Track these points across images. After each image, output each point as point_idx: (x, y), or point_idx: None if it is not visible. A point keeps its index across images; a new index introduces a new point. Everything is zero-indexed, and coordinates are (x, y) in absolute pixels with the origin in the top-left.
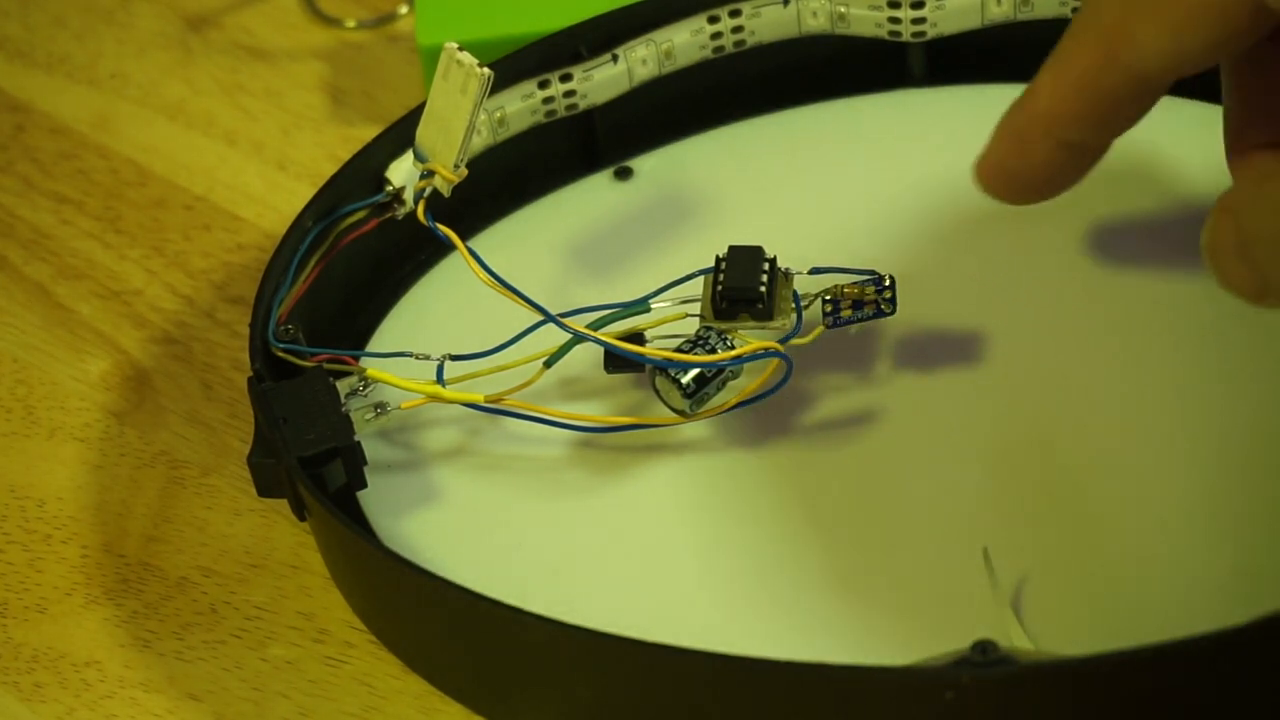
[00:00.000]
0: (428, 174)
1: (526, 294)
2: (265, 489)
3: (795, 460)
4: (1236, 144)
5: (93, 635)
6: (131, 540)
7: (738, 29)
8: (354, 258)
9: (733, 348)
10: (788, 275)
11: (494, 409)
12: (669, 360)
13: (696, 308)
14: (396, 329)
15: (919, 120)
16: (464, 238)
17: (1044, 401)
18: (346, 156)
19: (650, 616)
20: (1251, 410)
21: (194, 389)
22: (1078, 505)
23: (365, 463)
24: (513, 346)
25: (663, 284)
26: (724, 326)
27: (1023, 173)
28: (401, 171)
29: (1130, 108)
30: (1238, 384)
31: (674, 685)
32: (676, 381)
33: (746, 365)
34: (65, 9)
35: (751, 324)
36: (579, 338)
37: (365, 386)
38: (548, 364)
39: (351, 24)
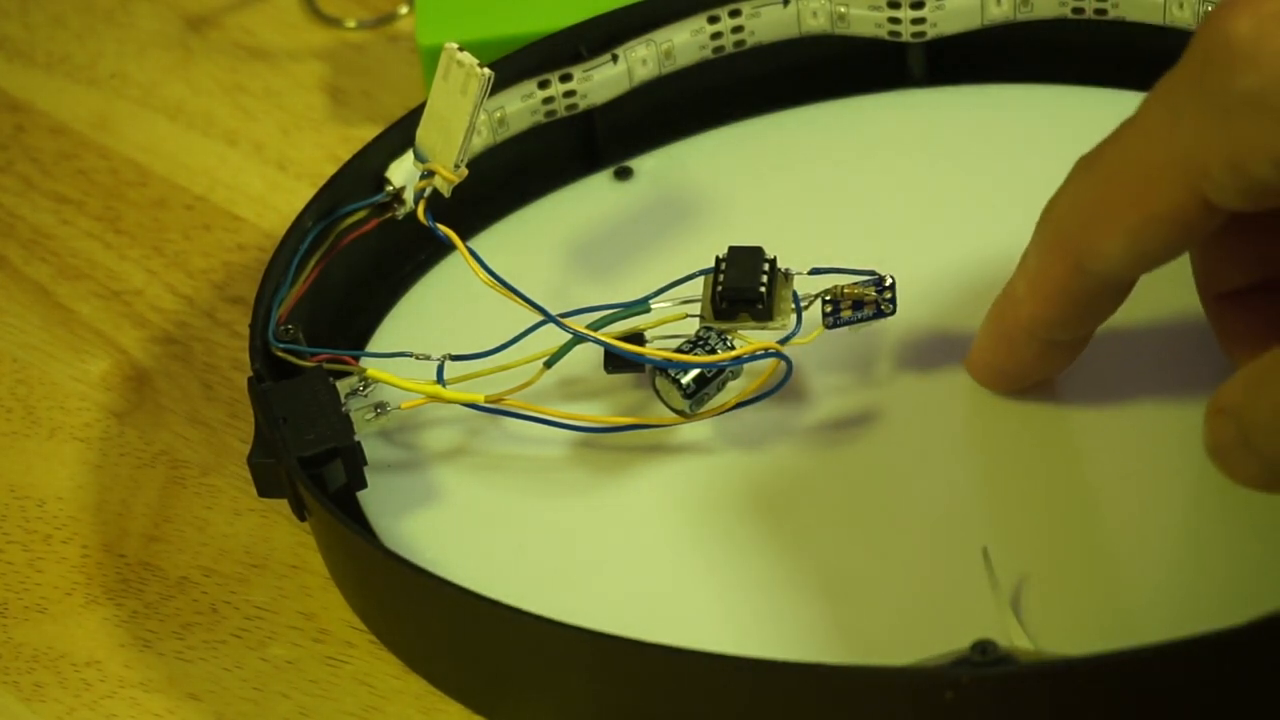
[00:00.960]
0: (428, 174)
1: (526, 294)
2: (265, 489)
3: (795, 460)
4: (1209, 286)
5: (93, 635)
6: (132, 540)
7: (738, 29)
8: (354, 258)
9: (733, 348)
10: (788, 275)
11: (494, 409)
12: (669, 360)
13: (696, 308)
14: (396, 329)
15: (919, 120)
16: (464, 238)
17: (1043, 402)
18: (346, 156)
19: (650, 616)
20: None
21: (194, 389)
22: (1077, 505)
23: (365, 463)
24: (513, 346)
25: (663, 284)
26: (724, 327)
27: (1014, 370)
28: (401, 171)
29: (1105, 304)
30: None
31: (674, 685)
32: (676, 381)
33: (746, 365)
34: (65, 9)
35: (751, 324)
36: (579, 338)
37: (365, 386)
38: (548, 364)
39: (351, 24)
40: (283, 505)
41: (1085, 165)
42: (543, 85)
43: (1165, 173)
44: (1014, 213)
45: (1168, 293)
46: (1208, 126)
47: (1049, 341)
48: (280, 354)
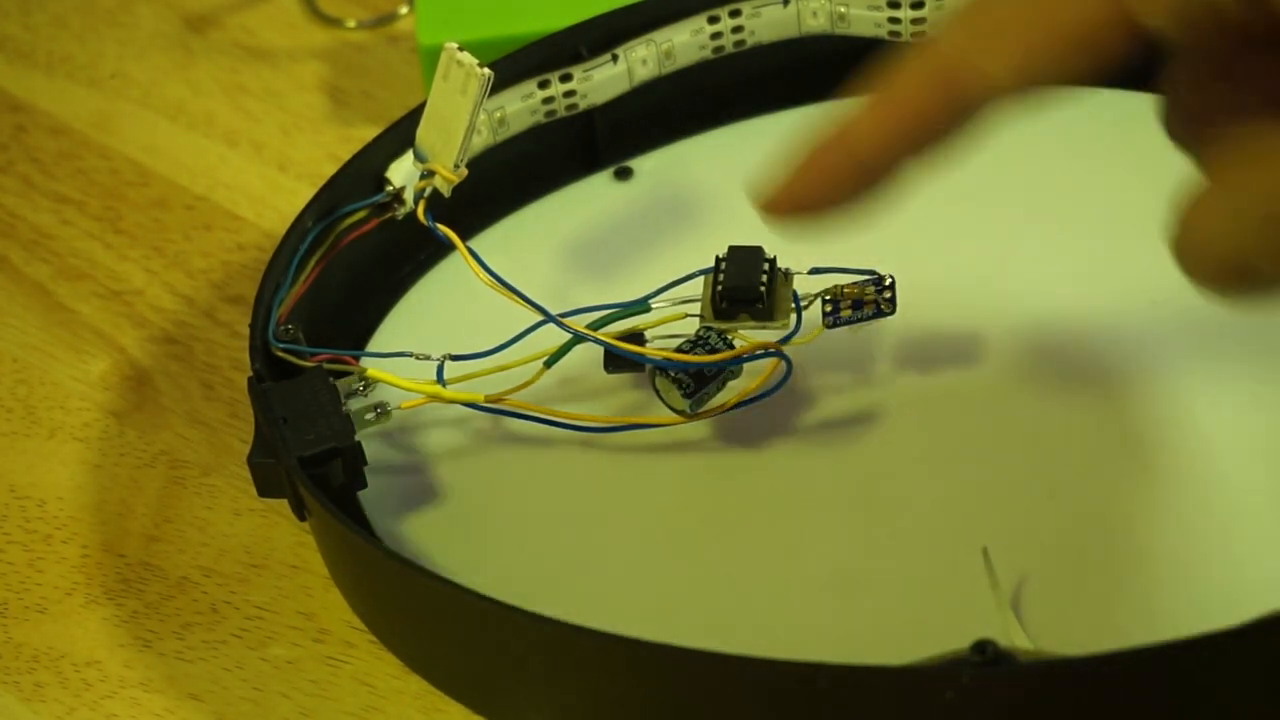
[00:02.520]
0: (428, 174)
1: (526, 294)
2: (265, 489)
3: (795, 460)
4: (1195, 114)
5: (93, 635)
6: (132, 540)
7: (738, 29)
8: (354, 258)
9: (733, 348)
10: (788, 275)
11: (494, 409)
12: (669, 360)
13: (696, 308)
14: (396, 329)
15: None
16: (464, 238)
17: (1043, 401)
18: (346, 156)
19: (650, 616)
20: (1251, 408)
21: (194, 389)
22: (1078, 505)
23: (365, 463)
24: (513, 346)
25: (663, 284)
26: (724, 326)
27: (808, 184)
28: (401, 171)
29: (950, 134)
30: (1237, 381)
31: (674, 685)
32: (676, 381)
33: (746, 365)
34: (66, 9)
35: (751, 324)
36: (579, 338)
37: (365, 386)
38: (548, 364)
39: (351, 24)
40: (283, 505)
41: None
42: (543, 85)
43: None
44: (1013, 212)
45: (1168, 289)
46: None
47: (863, 165)
48: (280, 354)
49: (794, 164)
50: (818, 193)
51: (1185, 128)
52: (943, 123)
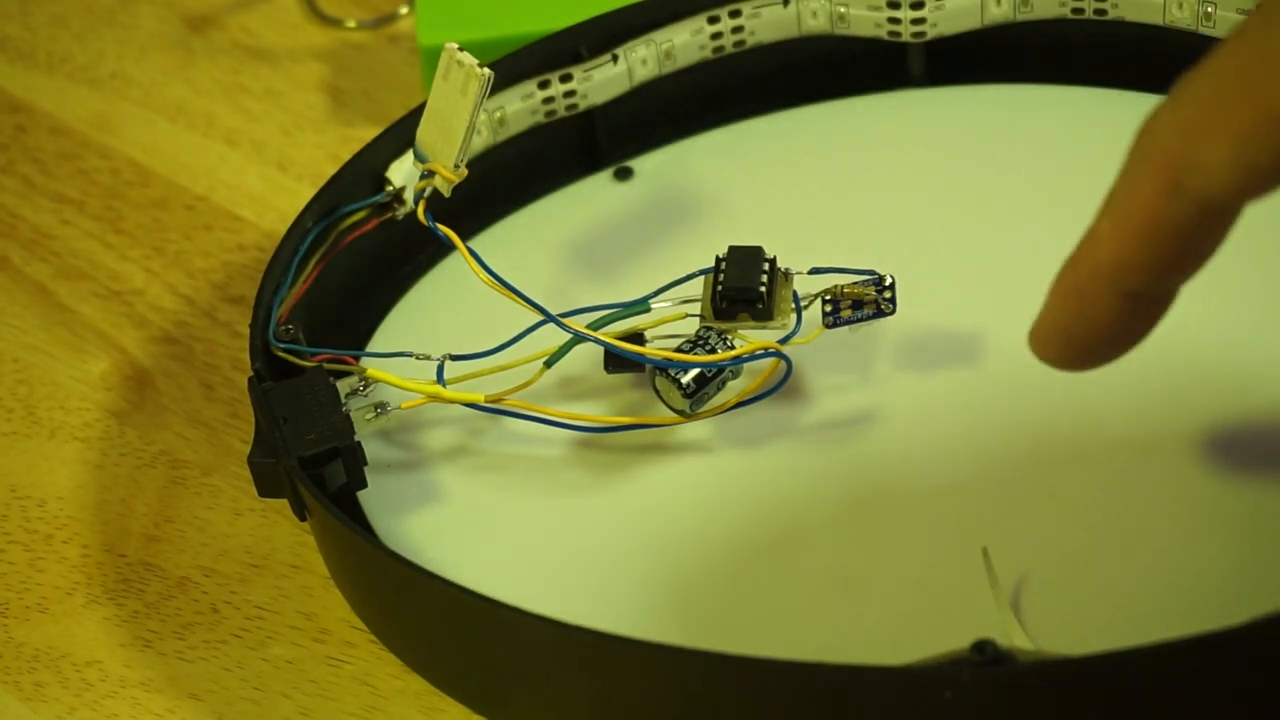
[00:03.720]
0: (428, 174)
1: (526, 294)
2: (265, 489)
3: (795, 460)
4: None
5: (93, 635)
6: (132, 540)
7: (738, 29)
8: (354, 258)
9: (733, 348)
10: (788, 275)
11: (494, 409)
12: (669, 360)
13: (696, 308)
14: (396, 329)
15: (919, 120)
16: (464, 238)
17: (1043, 401)
18: (346, 156)
19: (650, 616)
20: (1251, 408)
21: (194, 389)
22: (1078, 505)
23: (365, 463)
24: (513, 346)
25: (663, 284)
26: (724, 326)
27: (1086, 335)
28: (401, 171)
29: (1203, 243)
30: (1237, 381)
31: (674, 685)
32: (676, 381)
33: (746, 365)
34: (66, 9)
35: (751, 324)
36: (579, 338)
37: (365, 386)
38: (548, 364)
39: (351, 24)
40: (283, 505)
41: (1188, 76)
42: (543, 85)
43: None
44: (1014, 212)
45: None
46: None
47: (1131, 294)
48: (280, 354)
49: (1056, 307)
50: (1095, 328)
51: None
52: (1184, 231)
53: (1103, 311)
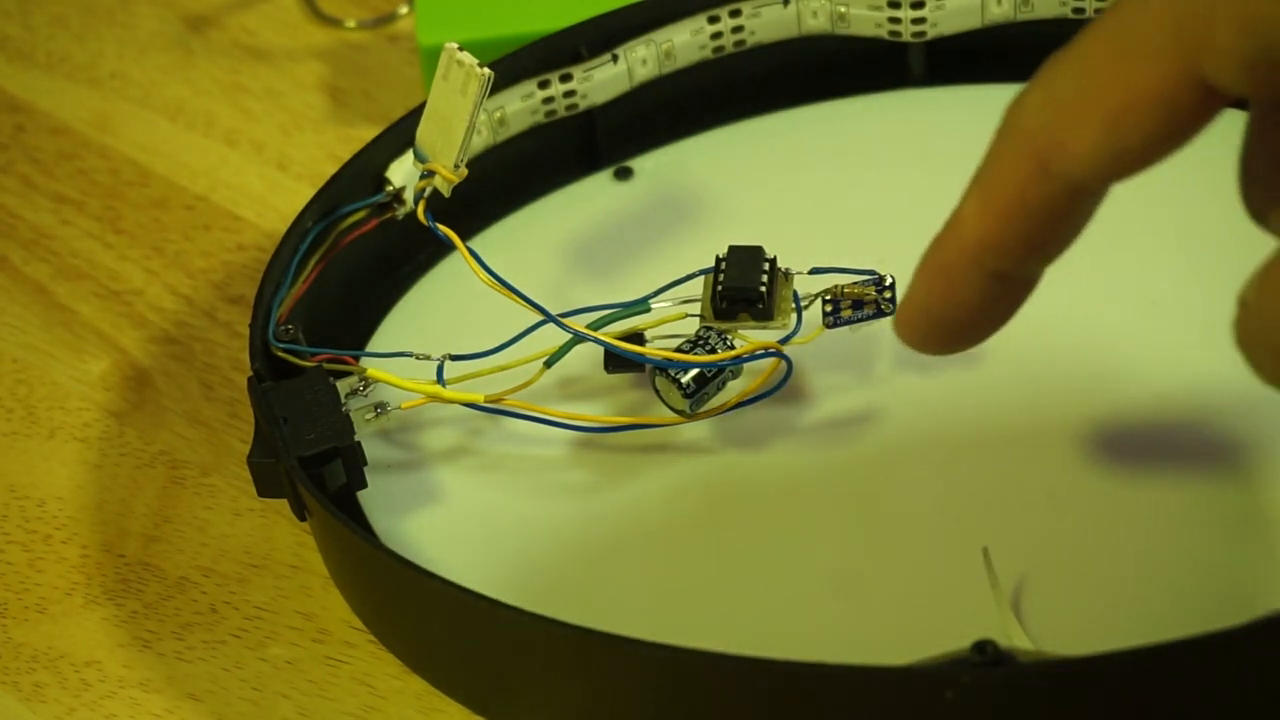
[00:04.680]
0: (428, 174)
1: (526, 294)
2: (265, 489)
3: (795, 460)
4: (1268, 192)
5: (93, 635)
6: (131, 540)
7: (738, 29)
8: (354, 258)
9: (733, 348)
10: (788, 275)
11: (494, 409)
12: (669, 360)
13: (696, 308)
14: (396, 329)
15: (919, 120)
16: (464, 238)
17: (1043, 401)
18: (346, 156)
19: (650, 616)
20: (1251, 408)
21: (194, 389)
22: (1078, 505)
23: (365, 463)
24: (513, 346)
25: (663, 284)
26: (724, 326)
27: (948, 315)
28: (401, 171)
29: (1067, 224)
30: (1237, 382)
31: (674, 685)
32: (676, 381)
33: (746, 365)
34: (65, 9)
35: (751, 324)
36: (579, 338)
37: (365, 386)
38: (548, 364)
39: (351, 24)
40: (283, 505)
41: (1057, 56)
42: (543, 85)
43: (1152, 42)
44: None
45: (1169, 289)
46: None
47: (996, 274)
48: (280, 354)
49: (921, 289)
50: (959, 310)
51: (1265, 202)
52: (1049, 212)
53: (968, 293)
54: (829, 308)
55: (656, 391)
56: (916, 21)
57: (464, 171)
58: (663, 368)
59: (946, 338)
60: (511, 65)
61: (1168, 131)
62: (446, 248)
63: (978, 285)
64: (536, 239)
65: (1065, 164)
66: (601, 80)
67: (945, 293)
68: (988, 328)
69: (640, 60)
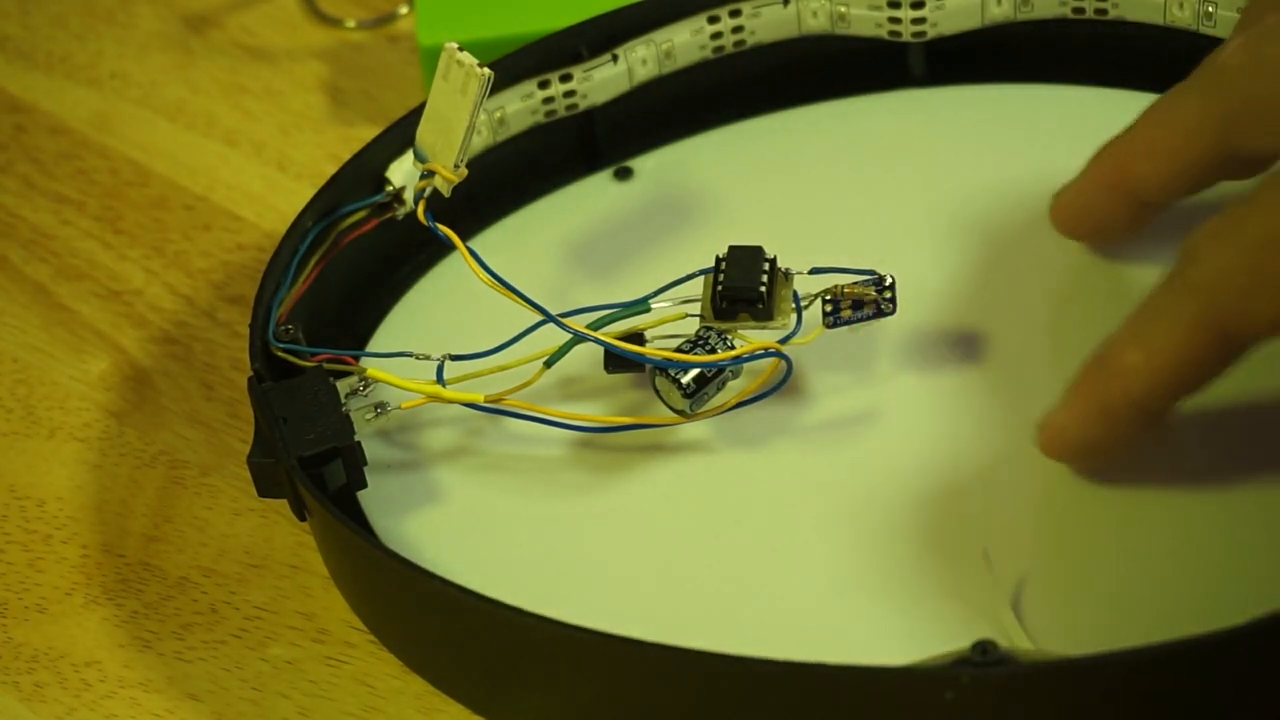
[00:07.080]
0: (428, 174)
1: (526, 294)
2: (265, 489)
3: (795, 460)
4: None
5: (93, 635)
6: (131, 540)
7: (738, 29)
8: (354, 258)
9: (733, 348)
10: (788, 275)
11: (494, 409)
12: (669, 360)
13: (696, 308)
14: (396, 329)
15: (919, 120)
16: (464, 238)
17: (1044, 401)
18: (346, 156)
19: (650, 616)
20: (1251, 409)
21: (194, 389)
22: (1078, 505)
23: (365, 463)
24: (513, 346)
25: (663, 284)
26: (724, 326)
27: (1106, 449)
28: (401, 171)
29: (1225, 370)
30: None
31: (674, 685)
32: (676, 381)
33: (746, 365)
34: (65, 9)
35: (751, 324)
36: (579, 338)
37: (365, 386)
38: (548, 364)
39: (351, 24)
40: (283, 505)
41: (1239, 212)
42: (543, 85)
43: None
44: (1014, 213)
45: None
46: None
47: (1156, 416)
48: (280, 354)
49: (1081, 423)
50: (1118, 444)
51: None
52: (1222, 365)
53: (1128, 429)
54: (829, 308)
55: (656, 391)
56: (916, 21)
57: (464, 171)
58: (663, 368)
59: (1097, 464)
60: (511, 65)
61: None
62: (446, 248)
63: (1137, 427)
64: (536, 239)
65: (1246, 331)
66: (601, 80)
67: (1109, 434)
68: (1128, 446)
69: (640, 60)
